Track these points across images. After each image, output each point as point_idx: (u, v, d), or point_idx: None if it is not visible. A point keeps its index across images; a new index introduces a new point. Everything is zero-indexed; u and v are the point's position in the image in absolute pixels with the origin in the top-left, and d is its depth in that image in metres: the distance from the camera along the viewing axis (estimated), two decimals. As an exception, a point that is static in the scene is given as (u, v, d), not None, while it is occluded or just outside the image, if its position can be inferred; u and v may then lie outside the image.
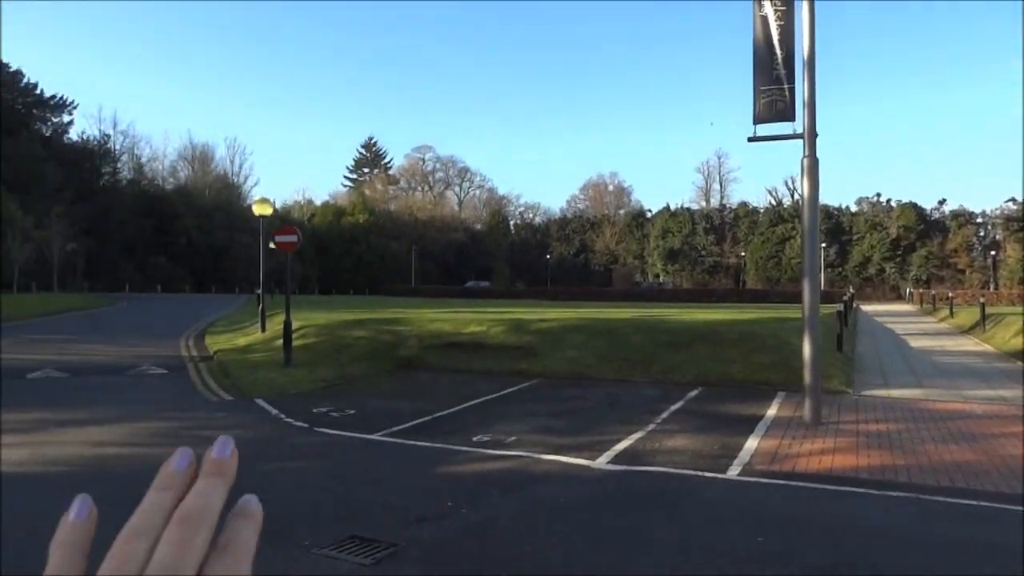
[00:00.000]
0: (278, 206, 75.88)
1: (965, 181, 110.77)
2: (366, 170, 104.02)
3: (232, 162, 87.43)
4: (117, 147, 68.91)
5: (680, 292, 65.32)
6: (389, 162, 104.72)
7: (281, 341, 14.72)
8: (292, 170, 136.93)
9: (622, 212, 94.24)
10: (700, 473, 6.56)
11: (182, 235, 64.34)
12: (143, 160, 73.76)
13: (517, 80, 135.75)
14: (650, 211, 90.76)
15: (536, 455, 7.21)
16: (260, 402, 10.50)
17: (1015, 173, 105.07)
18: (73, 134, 64.62)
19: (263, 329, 19.60)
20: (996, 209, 73.39)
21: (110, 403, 10.30)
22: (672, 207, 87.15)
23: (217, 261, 67.04)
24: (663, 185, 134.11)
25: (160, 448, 7.56)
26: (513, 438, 7.99)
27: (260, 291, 22.61)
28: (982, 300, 24.48)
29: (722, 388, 11.62)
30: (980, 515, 5.38)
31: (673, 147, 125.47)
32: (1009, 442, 7.72)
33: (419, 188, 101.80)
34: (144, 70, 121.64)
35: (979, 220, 74.59)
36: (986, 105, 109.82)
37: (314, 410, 9.75)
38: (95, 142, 65.95)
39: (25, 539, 4.72)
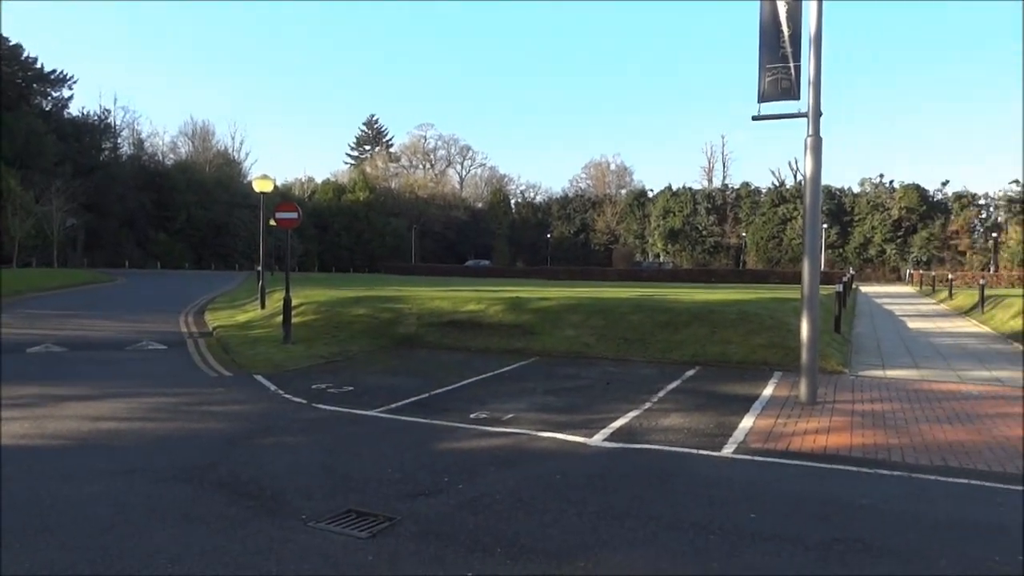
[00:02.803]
0: (279, 183, 75.74)
1: (968, 163, 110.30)
2: (367, 147, 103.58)
3: (233, 138, 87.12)
4: (117, 122, 68.57)
5: (680, 272, 65.33)
6: (390, 140, 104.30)
7: (280, 318, 14.76)
8: (293, 147, 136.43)
9: (623, 192, 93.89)
10: (695, 451, 6.60)
11: (182, 210, 64.20)
12: (143, 135, 73.47)
13: (519, 59, 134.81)
14: (652, 191, 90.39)
15: (533, 432, 7.26)
16: (259, 378, 10.54)
17: (1016, 155, 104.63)
18: (73, 109, 64.28)
19: (263, 306, 19.65)
20: (999, 191, 73.07)
21: (109, 378, 10.36)
22: (674, 187, 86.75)
23: (217, 237, 66.97)
24: (665, 165, 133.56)
25: (158, 423, 7.61)
26: (510, 415, 8.03)
27: (260, 268, 22.66)
28: (982, 282, 24.45)
29: (719, 368, 11.65)
30: (972, 494, 5.42)
31: (676, 127, 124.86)
32: (1004, 422, 7.76)
33: (420, 166, 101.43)
34: (145, 48, 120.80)
35: (982, 202, 74.25)
36: (990, 86, 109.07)
37: (312, 386, 9.80)
38: (95, 117, 65.58)
39: (28, 505, 4.77)
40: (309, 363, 11.97)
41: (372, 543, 4.31)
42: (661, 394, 9.38)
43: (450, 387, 9.88)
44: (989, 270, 63.18)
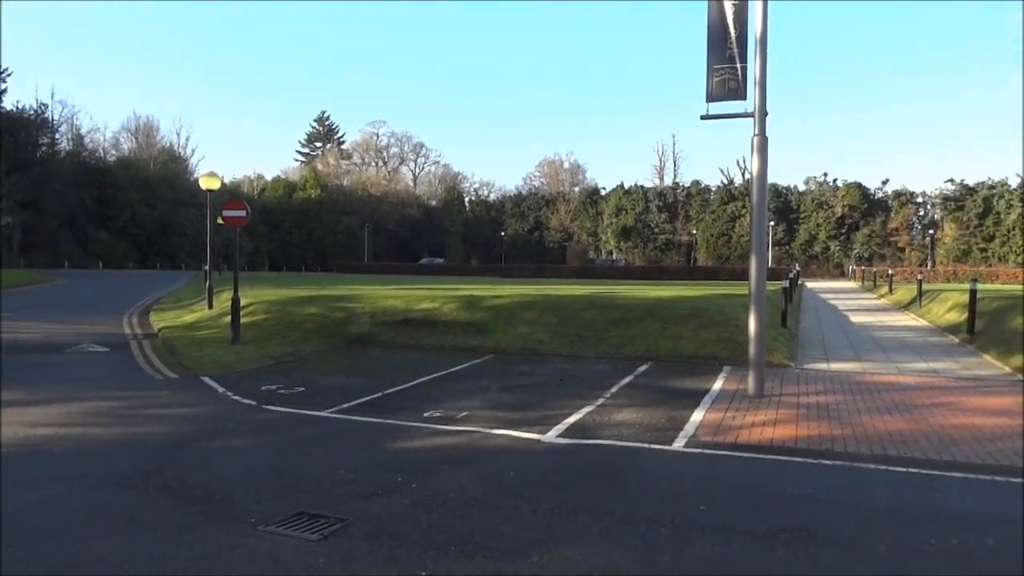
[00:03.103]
0: (227, 180, 74.02)
1: (908, 162, 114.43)
2: (319, 144, 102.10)
3: (179, 134, 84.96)
4: (55, 117, 65.89)
5: (633, 269, 66.12)
6: (342, 137, 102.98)
7: (229, 318, 14.44)
8: (242, 144, 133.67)
9: (577, 189, 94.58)
10: (647, 446, 6.70)
11: (125, 209, 62.19)
12: (83, 131, 70.77)
13: (472, 57, 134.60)
14: (604, 189, 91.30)
15: (487, 430, 7.26)
16: (206, 380, 10.30)
17: (952, 154, 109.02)
18: (7, 103, 61.50)
19: (210, 306, 19.21)
20: (935, 190, 76.01)
21: (47, 382, 9.98)
22: (626, 185, 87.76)
23: (162, 236, 65.11)
24: (618, 163, 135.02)
25: (100, 427, 7.37)
26: (464, 414, 8.02)
27: (207, 267, 22.11)
28: (919, 277, 25.38)
29: (671, 363, 11.84)
30: (910, 481, 5.63)
31: (628, 126, 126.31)
32: (939, 412, 8.08)
33: (373, 163, 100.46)
34: (85, 42, 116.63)
35: (919, 200, 77.09)
36: (929, 87, 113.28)
37: (262, 387, 9.62)
38: (31, 111, 62.96)
39: (-44, 522, 4.57)
40: (259, 364, 11.75)
41: (324, 545, 4.26)
42: (614, 390, 9.48)
43: (404, 386, 9.82)
44: (927, 266, 65.71)
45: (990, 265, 65.26)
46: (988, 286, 34.45)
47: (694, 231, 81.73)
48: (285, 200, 79.74)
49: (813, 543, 4.33)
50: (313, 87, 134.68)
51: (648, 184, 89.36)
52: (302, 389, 9.56)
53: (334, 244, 79.21)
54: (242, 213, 14.81)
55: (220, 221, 15.99)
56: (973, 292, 14.97)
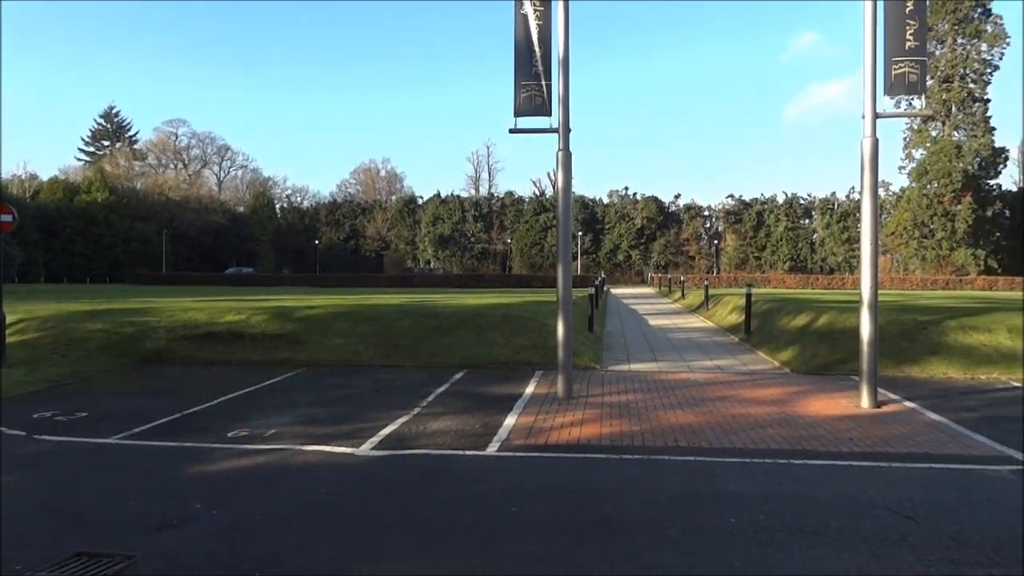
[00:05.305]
0: (-11, 180, 64.85)
1: (695, 178, 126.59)
2: (106, 143, 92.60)
3: (-76, 125, 72.69)
4: None
5: (450, 277, 66.85)
6: (135, 135, 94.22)
7: (-9, 337, 12.59)
8: (11, 140, 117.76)
9: (394, 198, 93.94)
10: (462, 452, 6.78)
11: None
12: None
13: (282, 56, 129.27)
14: (422, 198, 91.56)
15: (297, 447, 6.97)
16: (-39, 410, 8.91)
17: (734, 172, 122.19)
18: None
19: (-32, 324, 16.64)
20: (718, 204, 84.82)
21: None
22: (443, 194, 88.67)
23: (-96, 244, 55.52)
24: (435, 173, 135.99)
25: None
26: (273, 431, 7.64)
27: (-37, 279, 19.19)
28: (706, 283, 28.11)
29: (486, 369, 12.09)
30: (698, 469, 6.19)
31: (445, 135, 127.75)
32: (722, 404, 8.98)
33: (171, 165, 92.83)
34: None
35: (706, 214, 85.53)
36: (715, 110, 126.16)
37: (34, 415, 8.51)
38: None
39: None
40: (31, 388, 10.36)
41: (107, 587, 3.84)
42: (430, 398, 9.50)
43: (206, 405, 9.14)
44: (713, 272, 72.97)
45: (763, 271, 73.94)
46: (761, 290, 38.90)
47: (509, 240, 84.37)
48: (65, 204, 71.30)
49: (613, 533, 4.62)
50: (98, 79, 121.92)
51: (464, 194, 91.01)
52: (84, 414, 8.57)
53: (127, 253, 72.11)
54: (8, 218, 13.01)
55: (-20, 227, 13.93)
56: (748, 296, 16.84)
